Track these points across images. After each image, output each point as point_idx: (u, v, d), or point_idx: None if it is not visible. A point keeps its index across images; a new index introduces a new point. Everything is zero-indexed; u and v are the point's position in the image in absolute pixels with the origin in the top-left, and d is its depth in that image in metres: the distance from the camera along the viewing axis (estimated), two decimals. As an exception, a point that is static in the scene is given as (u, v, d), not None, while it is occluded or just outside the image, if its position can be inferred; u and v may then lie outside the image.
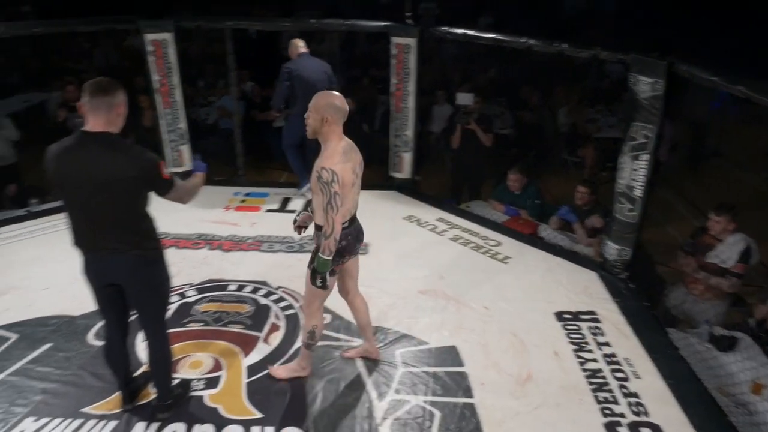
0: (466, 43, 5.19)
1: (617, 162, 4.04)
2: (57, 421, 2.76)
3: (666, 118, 3.78)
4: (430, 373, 3.14)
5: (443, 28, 5.07)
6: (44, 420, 2.76)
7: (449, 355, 3.28)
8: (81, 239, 2.46)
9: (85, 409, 2.82)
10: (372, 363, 3.19)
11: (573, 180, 5.24)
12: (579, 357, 3.31)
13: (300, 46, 5.11)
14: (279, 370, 3.10)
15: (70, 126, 5.48)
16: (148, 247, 2.50)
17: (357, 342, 3.36)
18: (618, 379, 3.14)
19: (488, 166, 5.50)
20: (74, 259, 2.54)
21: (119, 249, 2.42)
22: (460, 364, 3.21)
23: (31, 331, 3.40)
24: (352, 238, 2.81)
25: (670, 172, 5.74)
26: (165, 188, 2.45)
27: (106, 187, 2.30)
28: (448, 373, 3.14)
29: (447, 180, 5.96)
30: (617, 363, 3.26)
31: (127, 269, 2.47)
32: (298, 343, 3.33)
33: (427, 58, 5.83)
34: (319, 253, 2.63)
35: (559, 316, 3.68)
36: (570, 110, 6.87)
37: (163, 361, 2.74)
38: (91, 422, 2.75)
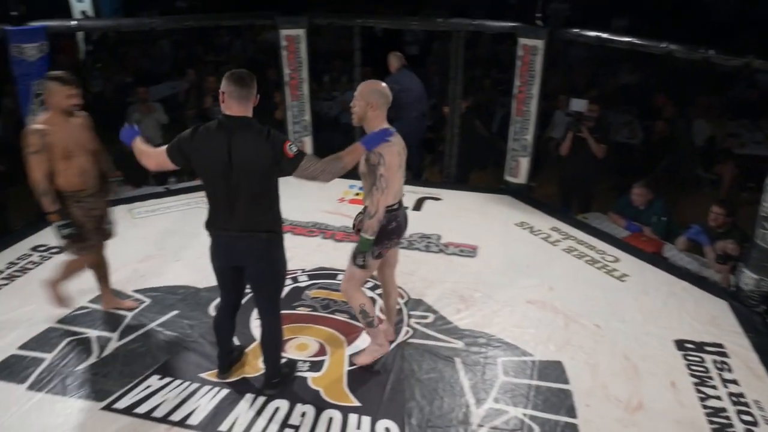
0: (597, 46, 4.94)
1: (764, 182, 3.65)
2: (178, 382, 3.01)
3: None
4: (532, 386, 3.03)
5: (574, 30, 4.86)
6: (167, 379, 3.03)
7: (554, 370, 3.15)
8: (216, 219, 2.63)
9: (203, 375, 3.06)
10: (473, 369, 3.15)
11: (706, 199, 4.83)
12: (700, 392, 3.03)
13: (398, 60, 5.53)
14: (362, 358, 3.16)
15: (213, 114, 5.94)
16: (277, 230, 2.65)
17: (458, 344, 3.34)
18: (745, 422, 2.84)
19: (601, 177, 5.16)
20: (203, 236, 2.75)
21: (251, 230, 2.57)
22: (565, 382, 3.07)
23: (162, 297, 3.75)
24: (401, 220, 2.89)
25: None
26: (292, 165, 2.51)
27: (244, 165, 2.48)
28: (551, 389, 3.02)
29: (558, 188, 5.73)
30: (745, 405, 2.95)
31: (255, 251, 2.62)
32: (399, 339, 3.37)
33: (553, 60, 5.64)
34: (362, 233, 2.76)
35: (680, 344, 3.40)
36: (709, 122, 6.30)
37: (274, 340, 2.89)
38: (206, 387, 2.97)
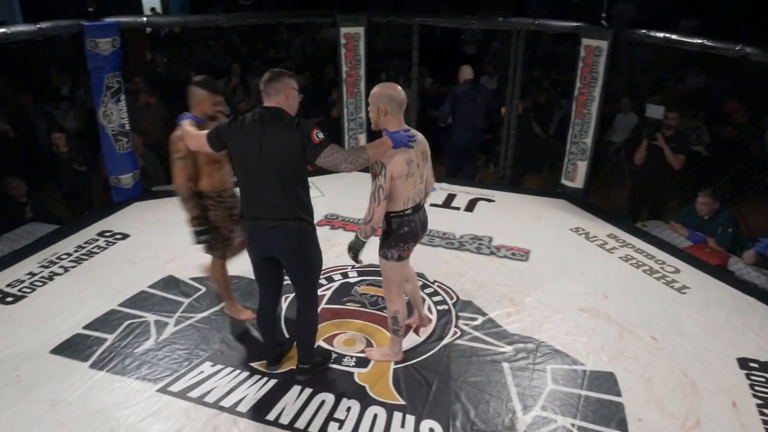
0: (665, 48, 4.75)
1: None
2: (229, 369, 3.10)
3: None
4: (582, 396, 2.95)
5: (641, 31, 4.68)
6: (219, 366, 3.12)
7: (606, 381, 3.06)
8: (249, 208, 2.71)
9: (253, 364, 3.13)
10: (520, 375, 3.09)
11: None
12: (763, 414, 2.87)
13: (467, 73, 5.66)
14: (373, 353, 3.20)
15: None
16: (307, 220, 2.70)
17: (507, 349, 3.29)
18: (812, 449, 2.67)
19: (675, 188, 4.91)
20: (260, 229, 2.81)
21: (282, 220, 2.64)
22: (617, 394, 2.97)
23: (217, 286, 3.86)
24: (414, 226, 2.86)
25: None
26: (315, 151, 2.55)
27: (273, 154, 2.56)
28: (601, 401, 2.93)
29: (623, 195, 5.54)
30: (814, 431, 2.77)
31: (287, 242, 2.69)
32: (446, 340, 3.35)
33: (616, 62, 5.47)
34: (357, 233, 2.81)
35: (744, 363, 3.23)
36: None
37: (308, 327, 2.94)
38: (256, 377, 3.04)
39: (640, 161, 5.02)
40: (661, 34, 4.52)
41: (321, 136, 2.57)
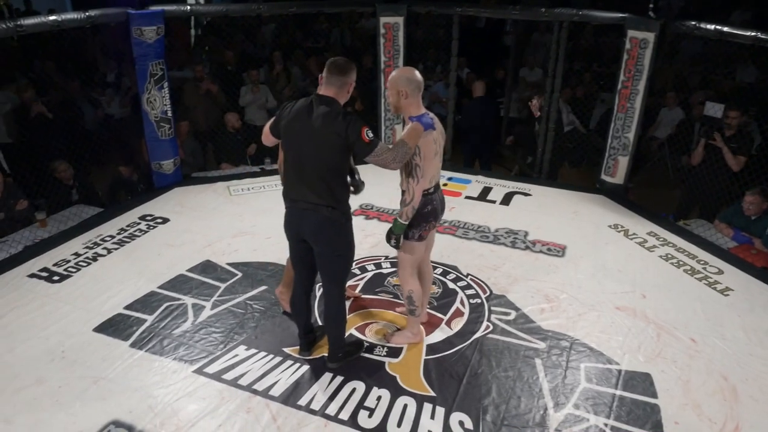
0: (715, 41, 4.57)
1: None
2: (262, 353, 3.16)
3: None
4: (616, 396, 2.90)
5: (690, 22, 4.52)
6: (253, 350, 3.18)
7: (642, 382, 3.00)
8: (288, 188, 2.78)
9: (286, 349, 3.18)
10: (553, 372, 3.06)
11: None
12: (808, 423, 2.77)
13: (479, 89, 6.18)
14: (395, 338, 3.23)
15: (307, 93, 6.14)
16: (338, 209, 2.72)
17: (540, 345, 3.25)
18: None
19: (736, 191, 4.65)
20: (296, 217, 2.84)
21: (314, 204, 2.68)
22: (653, 395, 2.91)
23: (253, 272, 3.93)
24: (437, 203, 2.93)
25: None
26: (366, 150, 2.60)
27: (316, 140, 2.61)
28: (636, 402, 2.87)
29: (665, 192, 5.39)
30: None
31: (315, 227, 2.72)
32: (478, 334, 3.34)
33: (662, 55, 5.29)
34: (398, 217, 2.85)
35: (789, 369, 3.12)
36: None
37: (335, 318, 2.96)
38: (289, 362, 3.09)
39: (697, 161, 4.85)
40: (711, 26, 4.36)
41: (371, 135, 2.61)
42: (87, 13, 4.46)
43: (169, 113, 5.17)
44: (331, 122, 2.59)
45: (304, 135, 2.64)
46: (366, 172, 3.01)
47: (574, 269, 4.04)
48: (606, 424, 2.73)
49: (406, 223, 2.86)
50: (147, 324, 3.38)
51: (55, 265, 4.01)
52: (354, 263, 3.91)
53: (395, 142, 2.69)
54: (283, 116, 2.73)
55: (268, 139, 2.89)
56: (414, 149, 2.71)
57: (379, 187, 4.18)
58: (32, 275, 3.88)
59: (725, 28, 4.29)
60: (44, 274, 3.90)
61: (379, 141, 2.65)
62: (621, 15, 4.87)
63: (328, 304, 2.95)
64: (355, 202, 4.62)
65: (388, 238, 2.94)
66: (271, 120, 2.84)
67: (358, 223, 4.64)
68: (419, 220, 2.90)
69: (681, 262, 4.17)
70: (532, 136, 6.06)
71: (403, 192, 2.85)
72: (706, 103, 4.82)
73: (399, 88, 2.74)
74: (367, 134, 2.59)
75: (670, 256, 4.26)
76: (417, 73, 2.78)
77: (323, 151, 2.63)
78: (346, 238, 2.82)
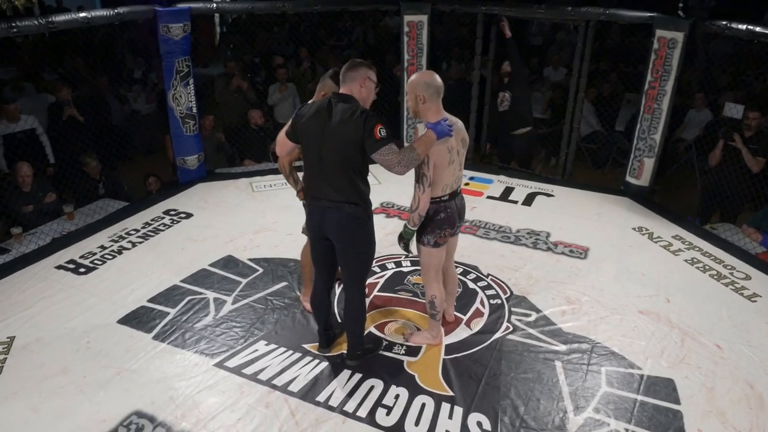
0: (746, 41, 4.47)
1: None
2: (282, 349, 3.18)
3: None
4: (637, 401, 2.86)
5: (721, 22, 4.42)
6: (273, 346, 3.21)
7: (664, 388, 2.95)
8: (310, 188, 2.79)
9: (305, 346, 3.20)
10: (573, 375, 3.02)
11: None
12: (837, 435, 2.70)
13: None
14: (414, 338, 3.23)
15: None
16: (361, 206, 2.73)
17: (560, 347, 3.22)
18: None
19: (752, 192, 4.60)
20: (317, 214, 2.86)
21: (336, 202, 2.69)
22: (676, 401, 2.86)
23: (274, 268, 3.96)
24: (451, 212, 2.88)
25: None
26: (374, 146, 2.57)
27: (333, 137, 2.61)
28: (658, 407, 2.82)
29: (692, 195, 5.29)
30: None
31: (339, 223, 2.73)
32: (498, 335, 3.32)
33: (691, 55, 5.19)
34: (406, 223, 2.86)
35: (818, 379, 3.04)
36: None
37: (355, 316, 2.97)
38: (308, 358, 3.11)
39: (715, 162, 4.76)
40: (743, 26, 4.26)
41: (383, 133, 2.58)
42: (116, 10, 4.54)
43: (194, 109, 5.24)
44: (349, 118, 2.60)
45: (324, 133, 2.64)
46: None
47: (596, 272, 3.99)
48: (627, 429, 2.69)
49: (414, 229, 2.86)
50: (170, 317, 3.44)
51: (81, 257, 4.10)
52: (374, 261, 3.95)
53: (405, 147, 2.66)
54: (301, 117, 2.73)
55: (284, 147, 2.87)
56: (423, 157, 2.68)
57: (401, 186, 4.17)
58: (59, 267, 3.97)
59: (757, 28, 4.19)
60: (71, 265, 3.99)
61: (391, 142, 2.60)
62: (649, 14, 4.79)
63: (349, 302, 2.96)
64: (375, 200, 4.66)
65: (399, 241, 2.95)
66: (286, 127, 2.83)
67: (378, 221, 4.65)
68: (433, 227, 2.88)
69: (707, 267, 4.09)
70: (556, 138, 5.99)
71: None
72: (726, 104, 4.72)
73: (417, 93, 2.72)
74: (380, 132, 2.57)
75: (695, 260, 4.18)
76: (437, 78, 2.75)
77: (343, 148, 2.63)
78: (368, 236, 2.83)
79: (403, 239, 2.92)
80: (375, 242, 2.88)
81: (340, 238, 2.78)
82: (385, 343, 3.22)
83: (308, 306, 3.47)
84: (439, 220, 2.87)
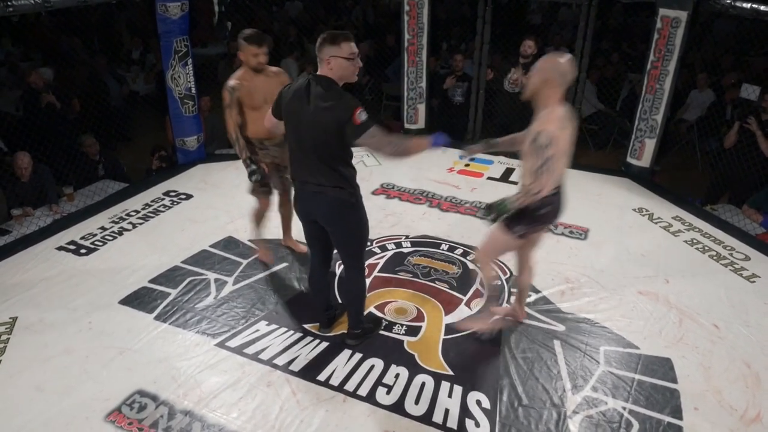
0: (750, 20, 4.42)
1: None
2: (283, 329, 3.20)
3: None
4: (635, 380, 2.89)
5: (725, 1, 4.37)
6: (274, 326, 3.23)
7: (662, 367, 2.97)
8: (296, 172, 2.73)
9: (306, 326, 3.22)
10: (572, 354, 3.05)
11: None
12: (833, 413, 2.73)
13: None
14: (476, 323, 3.19)
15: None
16: (346, 191, 2.63)
17: (559, 327, 3.25)
18: None
19: (763, 174, 4.54)
20: (318, 195, 2.85)
21: (322, 186, 2.62)
22: (673, 380, 2.89)
23: (274, 248, 3.96)
24: (552, 208, 2.73)
25: None
26: (355, 132, 2.45)
27: (312, 121, 2.51)
28: (655, 386, 2.85)
29: (693, 175, 5.28)
30: None
31: (325, 209, 2.69)
32: (497, 315, 3.33)
33: (694, 34, 5.14)
34: (509, 199, 2.60)
35: (815, 358, 3.06)
36: None
37: (355, 295, 2.98)
38: (309, 338, 3.13)
39: (730, 144, 4.73)
40: (747, 5, 4.21)
41: (363, 117, 2.44)
42: (113, -11, 4.48)
43: (193, 90, 5.20)
44: (328, 104, 2.47)
45: (302, 117, 2.54)
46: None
47: (596, 252, 4.00)
48: (624, 408, 2.72)
49: (512, 210, 2.61)
50: (171, 297, 3.45)
51: (82, 238, 4.11)
52: (374, 242, 3.96)
53: (400, 135, 2.56)
54: (284, 97, 2.64)
55: (270, 121, 2.81)
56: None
57: (402, 167, 4.17)
58: (60, 248, 3.98)
59: (762, 7, 4.14)
60: (72, 247, 4.00)
61: (372, 125, 2.46)
62: (653, -7, 4.73)
63: (349, 281, 2.97)
64: (375, 180, 4.65)
65: (487, 213, 2.68)
66: (274, 102, 2.77)
67: (378, 202, 4.66)
68: (531, 220, 2.70)
69: (706, 248, 4.10)
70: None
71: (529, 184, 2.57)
72: (743, 85, 4.68)
73: (548, 76, 2.50)
74: (359, 116, 2.43)
75: (695, 241, 4.19)
76: (573, 66, 2.54)
77: (321, 133, 2.51)
78: (358, 218, 2.75)
79: (497, 212, 2.65)
80: (367, 222, 2.80)
81: (329, 221, 2.74)
82: (385, 322, 3.25)
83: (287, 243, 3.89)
84: (540, 215, 2.69)
